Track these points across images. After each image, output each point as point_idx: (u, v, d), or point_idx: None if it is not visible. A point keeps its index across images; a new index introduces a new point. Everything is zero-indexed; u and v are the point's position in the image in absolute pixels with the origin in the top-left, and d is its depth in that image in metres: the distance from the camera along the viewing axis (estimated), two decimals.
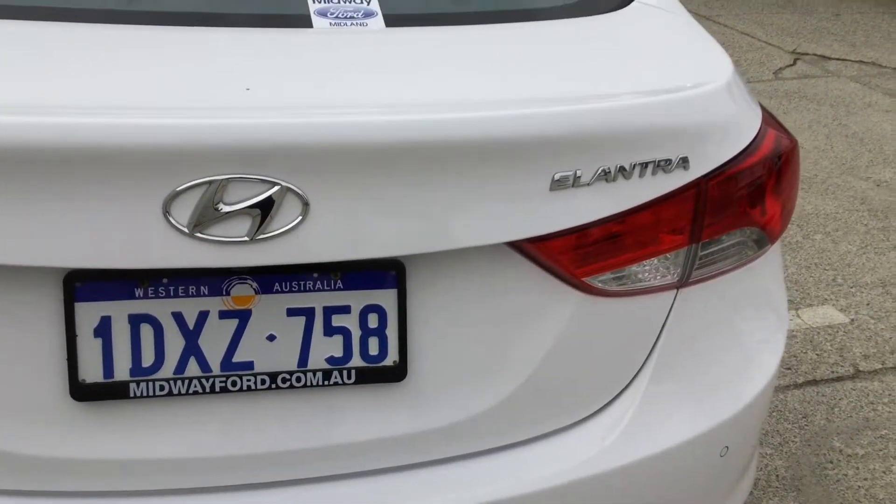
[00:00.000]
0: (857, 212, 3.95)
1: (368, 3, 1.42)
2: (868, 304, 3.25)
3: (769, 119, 1.47)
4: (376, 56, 1.32)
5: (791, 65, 5.82)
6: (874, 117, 5.00)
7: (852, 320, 3.15)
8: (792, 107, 5.10)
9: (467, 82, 1.26)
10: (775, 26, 6.60)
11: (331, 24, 1.38)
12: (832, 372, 2.87)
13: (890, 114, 5.08)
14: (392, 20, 1.39)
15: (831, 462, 2.49)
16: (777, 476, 2.43)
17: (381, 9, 1.41)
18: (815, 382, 2.82)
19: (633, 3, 1.58)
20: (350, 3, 1.41)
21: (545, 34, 1.44)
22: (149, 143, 1.06)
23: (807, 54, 6.04)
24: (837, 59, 5.96)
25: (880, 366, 2.92)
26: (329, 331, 1.21)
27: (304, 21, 1.36)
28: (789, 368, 2.87)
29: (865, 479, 2.43)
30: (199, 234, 1.10)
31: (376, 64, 1.29)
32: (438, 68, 1.31)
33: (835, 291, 3.32)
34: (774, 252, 1.52)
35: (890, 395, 2.77)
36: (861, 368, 2.90)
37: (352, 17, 1.39)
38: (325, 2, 1.41)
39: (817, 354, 2.95)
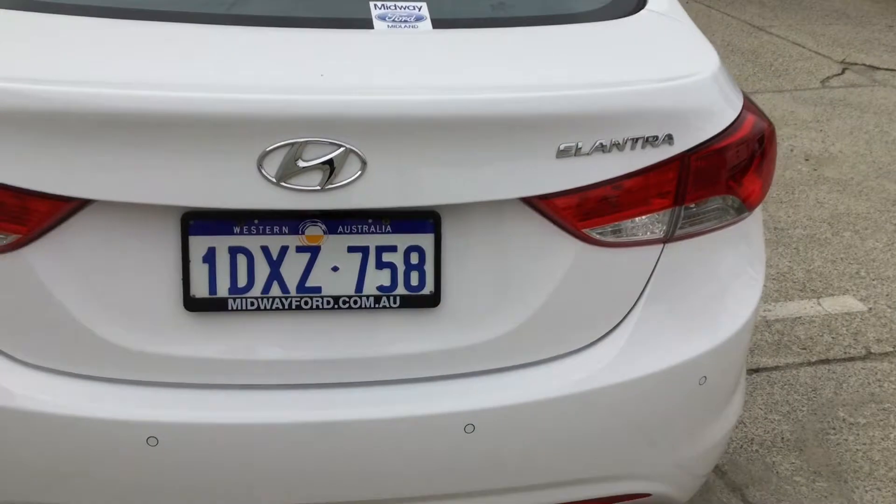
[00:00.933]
0: (889, 212, 4.16)
1: (419, 10, 1.76)
2: (887, 296, 3.49)
3: (750, 107, 1.78)
4: (423, 51, 1.66)
5: (839, 74, 6.01)
6: None
7: (870, 309, 3.40)
8: (836, 114, 5.31)
9: (495, 72, 1.60)
10: (827, 37, 6.80)
11: (388, 26, 1.72)
12: (845, 353, 3.13)
13: None
14: (438, 24, 1.73)
15: (834, 429, 2.75)
16: (782, 438, 2.70)
17: (430, 14, 1.75)
18: (827, 361, 3.08)
19: (642, 11, 1.89)
20: (404, 9, 1.76)
21: (565, 35, 1.77)
22: (247, 114, 1.42)
23: (856, 64, 6.23)
24: (886, 70, 6.14)
25: (891, 349, 3.16)
26: (379, 265, 1.56)
27: (366, 24, 1.70)
28: (804, 348, 3.13)
29: (864, 444, 2.69)
30: (283, 184, 1.45)
31: (423, 57, 1.64)
32: (473, 61, 1.64)
33: (856, 283, 3.57)
34: (755, 217, 1.82)
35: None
36: (873, 351, 3.15)
37: (405, 21, 1.73)
38: (383, 8, 1.76)
39: (832, 338, 3.21)
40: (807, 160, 4.68)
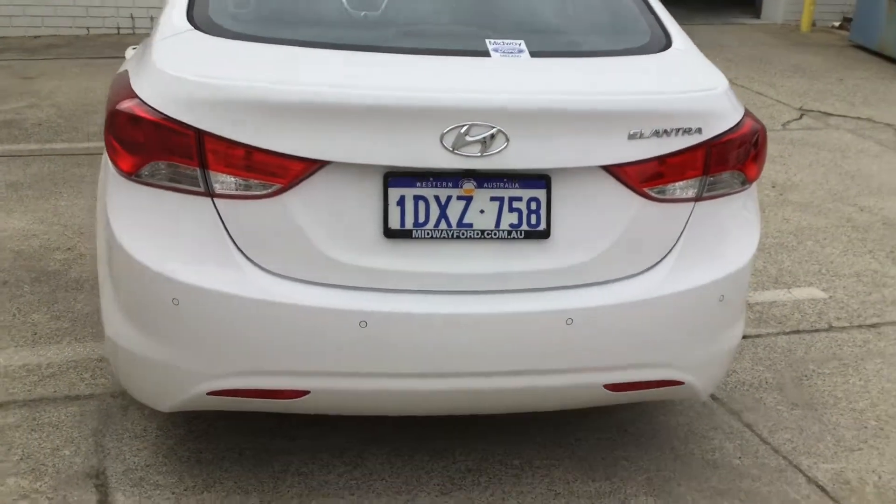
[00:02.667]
0: (843, 227, 5.03)
1: (520, 45, 2.57)
2: (844, 288, 4.32)
3: (750, 114, 2.60)
4: (533, 70, 2.46)
5: (797, 119, 6.96)
6: (864, 160, 6.11)
7: (830, 297, 4.22)
8: (796, 151, 6.22)
9: (585, 82, 2.41)
10: (786, 88, 7.77)
11: (501, 55, 2.53)
12: (811, 326, 3.94)
13: (878, 158, 6.19)
14: (535, 54, 2.54)
15: (805, 377, 3.55)
16: (766, 382, 3.49)
17: (528, 48, 2.56)
18: (798, 332, 3.89)
19: (670, 49, 2.72)
20: (509, 45, 2.56)
21: (621, 63, 2.59)
22: (435, 106, 2.22)
23: (812, 111, 7.18)
24: (838, 116, 7.09)
25: (848, 324, 3.98)
26: (511, 210, 2.34)
27: (486, 54, 2.51)
28: (780, 323, 3.94)
29: (829, 387, 3.48)
30: (456, 152, 2.24)
31: (534, 73, 2.44)
32: (568, 76, 2.46)
33: (819, 278, 4.40)
34: (752, 190, 2.64)
35: (853, 341, 3.83)
36: (833, 325, 3.97)
37: (511, 52, 2.54)
38: (496, 44, 2.56)
39: (801, 316, 4.03)
40: (773, 187, 5.55)
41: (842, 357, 3.69)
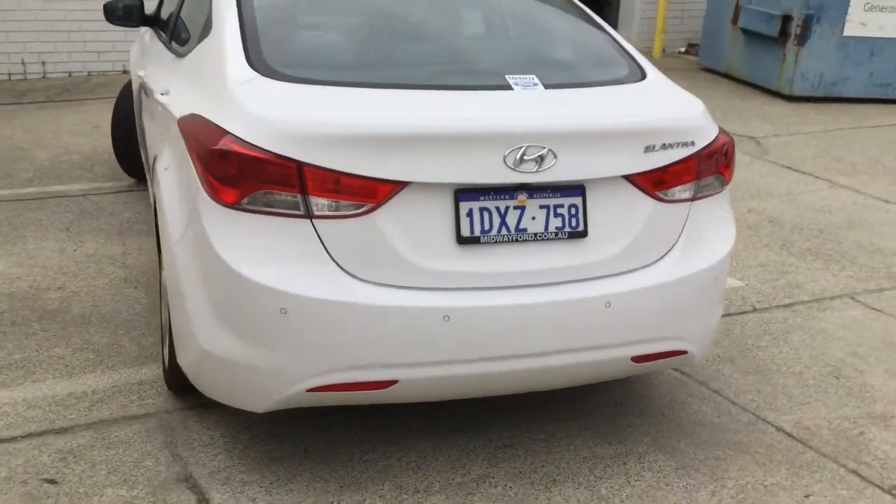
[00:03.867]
0: (739, 228, 5.77)
1: (534, 80, 3.07)
2: (755, 276, 5.03)
3: (721, 129, 3.19)
4: (555, 100, 2.96)
5: None
6: (740, 170, 6.94)
7: (747, 284, 4.91)
8: None
9: (604, 108, 2.93)
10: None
11: (521, 88, 3.02)
12: (739, 309, 4.60)
13: (749, 166, 7.04)
14: (547, 86, 3.05)
15: (748, 350, 4.18)
16: (718, 356, 4.09)
17: (542, 82, 3.07)
18: (731, 314, 4.54)
19: (647, 79, 3.28)
20: (524, 79, 3.05)
21: (618, 91, 3.13)
22: (497, 132, 2.68)
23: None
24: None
25: (768, 305, 4.67)
26: (556, 215, 2.82)
27: (509, 87, 3.00)
28: None
29: (769, 356, 4.13)
30: (516, 170, 2.71)
31: (546, 102, 2.94)
32: (584, 103, 2.97)
33: (733, 271, 5.09)
34: (727, 191, 3.22)
35: (775, 319, 4.50)
36: (756, 307, 4.64)
37: (528, 85, 3.04)
38: (514, 79, 3.05)
39: (729, 301, 4.68)
40: None
41: (771, 332, 4.35)
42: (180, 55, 3.70)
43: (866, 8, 9.38)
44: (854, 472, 3.25)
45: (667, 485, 3.11)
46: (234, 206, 2.66)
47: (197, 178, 2.77)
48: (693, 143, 2.98)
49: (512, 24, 3.71)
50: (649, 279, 2.93)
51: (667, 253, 3.00)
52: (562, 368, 2.90)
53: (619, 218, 2.90)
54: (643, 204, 2.92)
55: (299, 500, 2.91)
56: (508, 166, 2.70)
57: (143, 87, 4.50)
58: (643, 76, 3.30)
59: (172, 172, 3.07)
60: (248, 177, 2.64)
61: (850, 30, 9.41)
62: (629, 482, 3.11)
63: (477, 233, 2.75)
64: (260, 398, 2.82)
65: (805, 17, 9.19)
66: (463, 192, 2.73)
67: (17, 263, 4.63)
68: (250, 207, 2.66)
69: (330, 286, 2.66)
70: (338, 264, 2.68)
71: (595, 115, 2.91)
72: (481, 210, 2.75)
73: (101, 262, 4.71)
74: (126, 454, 3.09)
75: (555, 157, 2.74)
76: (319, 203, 2.64)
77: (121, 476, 2.98)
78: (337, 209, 2.65)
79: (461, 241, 2.74)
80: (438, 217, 2.72)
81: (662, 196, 2.94)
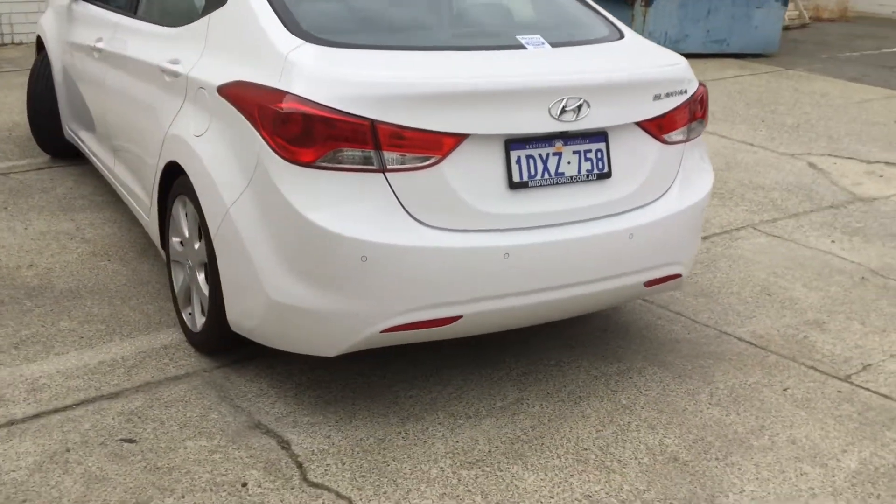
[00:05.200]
0: None
1: (541, 39, 3.41)
2: None
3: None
4: (572, 57, 3.32)
5: None
6: None
7: None
8: None
9: (617, 62, 3.32)
10: None
11: (533, 47, 3.35)
12: None
13: None
14: (553, 45, 3.40)
15: (689, 277, 4.71)
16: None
17: (548, 40, 3.41)
18: None
19: (627, 37, 3.69)
20: (534, 39, 3.39)
21: (612, 47, 3.52)
22: (544, 86, 3.01)
23: None
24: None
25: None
26: (586, 159, 3.19)
27: (521, 47, 3.33)
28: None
29: (708, 280, 4.67)
30: (559, 119, 3.05)
31: (563, 58, 3.29)
32: (598, 58, 3.34)
33: None
34: (702, 137, 3.70)
35: (699, 250, 5.06)
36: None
37: (537, 44, 3.38)
38: (524, 40, 3.38)
39: None
40: None
41: (701, 261, 4.92)
42: (173, 25, 3.78)
43: None
44: (812, 367, 3.83)
45: (672, 391, 3.57)
46: (311, 164, 2.86)
47: (260, 141, 2.93)
48: (685, 91, 3.41)
49: None
50: (659, 212, 3.36)
51: (668, 189, 3.43)
52: (594, 295, 3.28)
53: (634, 159, 3.29)
54: (651, 146, 3.33)
55: (369, 434, 3.16)
56: (552, 116, 3.04)
57: (93, 57, 4.49)
58: (621, 35, 3.70)
59: (214, 138, 3.20)
60: (325, 137, 2.84)
61: None
62: (641, 392, 3.55)
63: (525, 178, 3.08)
64: (335, 342, 3.05)
65: None
66: (513, 142, 3.04)
67: None
68: (326, 165, 2.87)
69: (404, 233, 2.92)
70: (408, 213, 2.93)
71: (616, 68, 3.28)
72: (527, 157, 3.08)
73: (60, 238, 4.67)
74: (188, 410, 3.23)
75: (588, 106, 3.09)
76: (392, 157, 2.89)
77: (194, 429, 3.13)
78: (407, 162, 2.91)
79: (512, 185, 3.05)
80: (493, 165, 3.02)
81: (665, 139, 3.36)
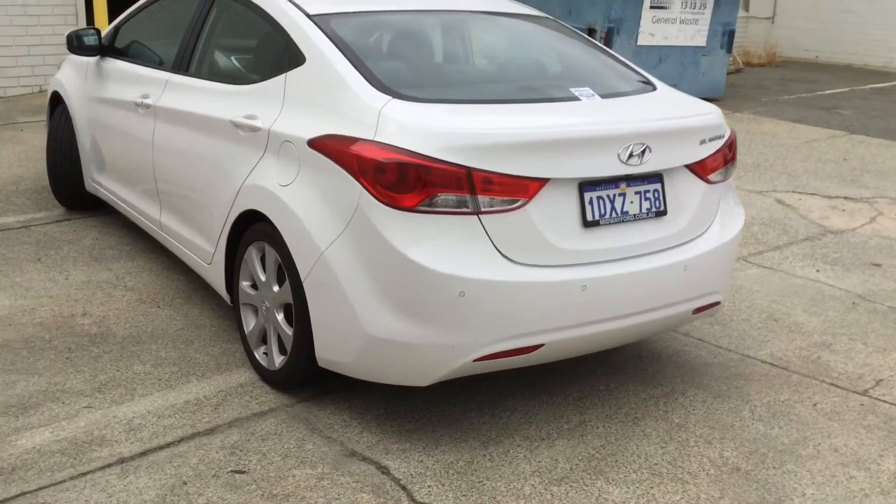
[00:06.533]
0: None
1: (591, 91, 3.76)
2: None
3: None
4: (615, 106, 3.67)
5: None
6: None
7: None
8: None
9: (668, 111, 3.68)
10: None
11: (585, 99, 3.70)
12: None
13: None
14: (603, 96, 3.75)
15: None
16: None
17: (598, 92, 3.77)
18: None
19: (660, 88, 4.07)
20: (585, 91, 3.74)
21: (653, 97, 3.89)
22: (615, 134, 3.35)
23: None
24: None
25: None
26: (646, 199, 3.52)
27: (575, 98, 3.68)
28: None
29: None
30: (626, 163, 3.39)
31: (619, 108, 3.64)
32: (640, 108, 3.70)
33: None
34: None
35: None
36: None
37: (588, 96, 3.73)
38: (577, 92, 3.73)
39: None
40: None
41: None
42: (241, 82, 4.02)
43: (654, 20, 10.82)
44: (833, 384, 4.20)
45: (716, 410, 3.90)
46: (412, 209, 3.13)
47: (359, 188, 3.19)
48: (722, 137, 3.79)
49: (544, 48, 4.36)
50: (706, 245, 3.71)
51: (711, 224, 3.79)
52: (653, 322, 3.60)
53: (684, 198, 3.64)
54: (698, 186, 3.69)
55: (458, 457, 3.40)
56: (621, 161, 3.37)
57: (137, 113, 4.69)
58: (654, 86, 4.07)
59: (303, 187, 3.44)
60: (425, 183, 3.12)
61: (643, 40, 10.83)
62: (689, 411, 3.87)
63: (597, 217, 3.39)
64: (429, 372, 3.29)
65: (608, 29, 10.47)
66: (586, 185, 3.36)
67: (18, 296, 4.65)
68: (425, 209, 3.14)
69: (497, 269, 3.20)
70: (498, 250, 3.22)
71: (670, 116, 3.64)
72: (598, 198, 3.40)
73: (103, 287, 4.82)
74: (284, 442, 3.43)
75: (650, 151, 3.44)
76: (484, 201, 3.17)
77: (295, 459, 3.33)
78: (497, 205, 3.20)
79: (586, 224, 3.37)
80: (569, 206, 3.33)
81: (709, 179, 3.73)
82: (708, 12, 11.23)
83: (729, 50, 11.72)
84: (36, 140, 7.82)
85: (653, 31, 10.84)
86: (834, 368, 4.36)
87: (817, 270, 5.78)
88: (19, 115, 8.88)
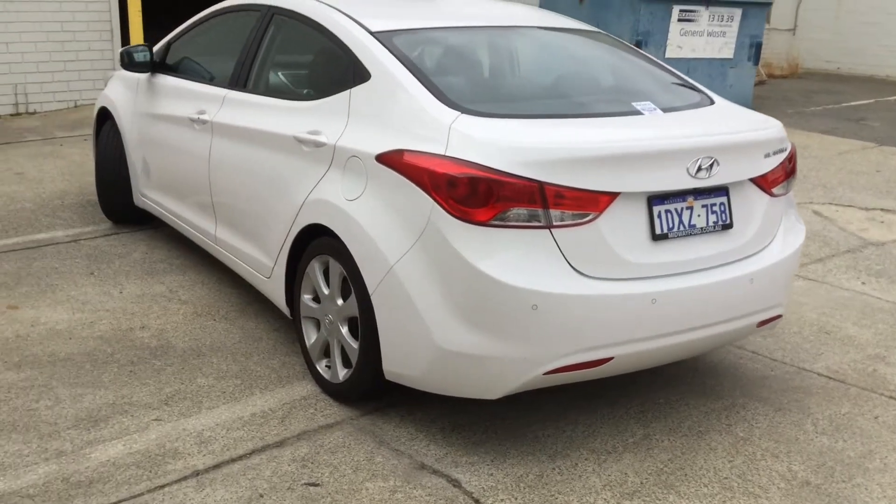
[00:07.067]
0: None
1: (653, 106, 3.78)
2: None
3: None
4: (680, 121, 3.68)
5: None
6: None
7: None
8: None
9: (732, 126, 3.69)
10: None
11: (647, 112, 3.72)
12: None
13: None
14: (665, 110, 3.77)
15: None
16: None
17: (659, 106, 3.79)
18: None
19: (718, 102, 4.09)
20: (647, 105, 3.76)
21: (714, 111, 3.90)
22: (684, 148, 3.37)
23: None
24: None
25: None
26: (712, 212, 3.53)
27: (637, 112, 3.69)
28: None
29: None
30: (695, 177, 3.40)
31: (675, 122, 3.66)
32: (703, 122, 3.72)
33: None
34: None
35: None
36: None
37: (651, 110, 3.75)
38: (640, 106, 3.75)
39: None
40: None
41: None
42: (303, 99, 4.06)
43: (682, 33, 10.84)
44: (891, 397, 4.19)
45: (779, 423, 3.89)
46: (485, 223, 3.15)
47: (431, 203, 3.22)
48: (784, 150, 3.80)
49: (601, 62, 4.39)
50: (770, 258, 3.71)
51: (774, 237, 3.79)
52: (720, 335, 3.61)
53: (749, 211, 3.65)
54: (762, 199, 3.70)
55: (527, 471, 3.41)
56: (689, 174, 3.39)
57: (193, 129, 4.73)
58: (712, 100, 4.09)
59: (370, 201, 3.46)
60: (498, 198, 3.14)
61: (671, 52, 10.84)
62: (752, 425, 3.87)
63: (665, 230, 3.41)
64: (500, 385, 3.31)
65: (636, 41, 10.49)
66: (654, 198, 3.38)
67: (75, 310, 4.69)
68: (498, 223, 3.16)
69: (569, 282, 3.22)
70: (570, 264, 3.23)
71: (735, 130, 3.65)
72: (666, 212, 3.41)
73: (158, 301, 4.86)
74: (353, 455, 3.45)
75: (718, 165, 3.45)
76: (556, 214, 3.19)
77: (367, 472, 3.34)
78: (568, 218, 3.21)
79: (655, 237, 3.38)
80: (638, 219, 3.35)
81: (773, 192, 3.74)
82: (735, 25, 11.25)
83: (756, 62, 11.73)
84: (76, 155, 7.89)
85: (681, 43, 10.86)
86: (891, 381, 4.35)
87: (863, 283, 5.77)
88: (57, 129, 8.96)
